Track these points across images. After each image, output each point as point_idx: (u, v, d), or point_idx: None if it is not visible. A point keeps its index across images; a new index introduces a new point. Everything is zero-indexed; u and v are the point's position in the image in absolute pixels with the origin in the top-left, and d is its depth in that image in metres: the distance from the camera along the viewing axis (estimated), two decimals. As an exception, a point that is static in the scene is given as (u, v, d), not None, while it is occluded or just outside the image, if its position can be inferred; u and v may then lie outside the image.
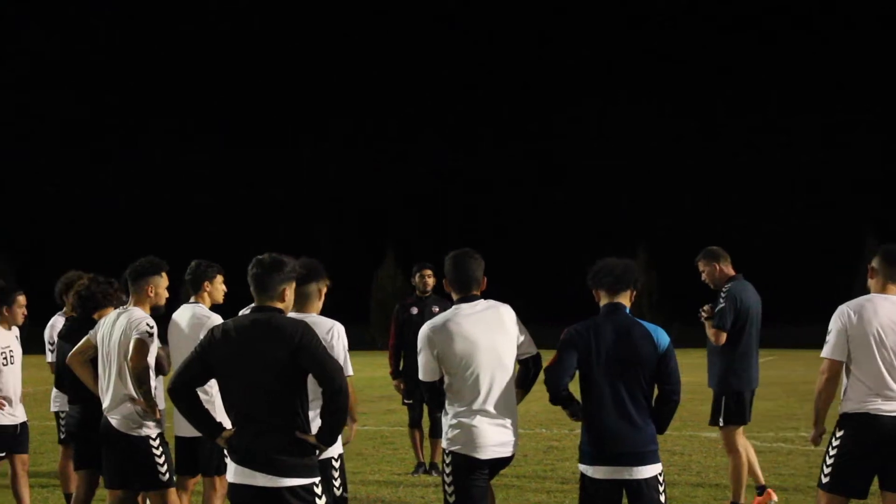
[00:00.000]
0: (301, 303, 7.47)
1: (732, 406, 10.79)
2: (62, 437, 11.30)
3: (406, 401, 13.89)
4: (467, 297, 7.57)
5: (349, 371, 7.37)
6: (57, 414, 11.40)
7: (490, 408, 7.41)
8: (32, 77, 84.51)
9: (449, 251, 7.74)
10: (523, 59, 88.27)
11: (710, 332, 10.71)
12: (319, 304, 7.66)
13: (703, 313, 10.86)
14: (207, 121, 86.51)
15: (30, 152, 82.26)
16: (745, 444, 10.89)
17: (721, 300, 10.72)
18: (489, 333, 7.45)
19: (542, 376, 7.53)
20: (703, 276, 11.08)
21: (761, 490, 11.16)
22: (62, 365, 9.37)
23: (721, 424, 10.84)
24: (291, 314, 6.98)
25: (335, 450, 7.45)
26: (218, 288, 9.41)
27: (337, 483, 7.50)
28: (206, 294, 9.33)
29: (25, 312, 10.75)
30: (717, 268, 10.97)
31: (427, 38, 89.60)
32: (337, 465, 7.51)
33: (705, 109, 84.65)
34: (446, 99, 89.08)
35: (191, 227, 78.22)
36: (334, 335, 7.51)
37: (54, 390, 11.38)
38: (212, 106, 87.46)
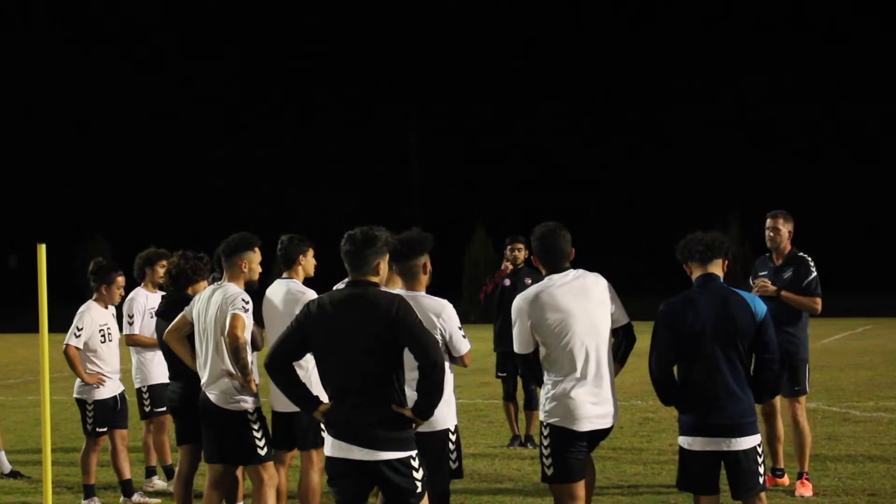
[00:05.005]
0: (407, 280, 7.41)
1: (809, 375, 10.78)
2: (146, 410, 11.40)
3: (500, 374, 13.90)
4: (558, 269, 7.55)
5: (467, 346, 7.32)
6: (139, 390, 11.47)
7: (588, 378, 7.36)
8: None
9: (539, 223, 7.69)
10: (613, 35, 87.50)
11: (805, 300, 10.46)
12: (425, 279, 7.44)
13: (763, 286, 10.42)
14: (288, 102, 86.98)
15: (119, 133, 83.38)
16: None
17: (811, 270, 10.58)
18: (583, 302, 7.41)
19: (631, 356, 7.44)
20: (772, 233, 10.77)
21: (782, 473, 10.94)
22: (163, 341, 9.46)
23: (808, 391, 10.74)
24: (400, 292, 6.97)
25: (451, 421, 7.39)
26: (310, 262, 9.40)
27: (453, 456, 7.40)
28: (299, 268, 9.32)
29: (123, 293, 10.90)
30: (789, 233, 10.81)
31: (508, 17, 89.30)
32: (453, 437, 7.42)
33: (792, 81, 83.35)
34: (532, 72, 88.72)
35: (276, 203, 78.80)
36: (445, 317, 7.29)
37: (134, 366, 11.49)
38: (290, 87, 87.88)
